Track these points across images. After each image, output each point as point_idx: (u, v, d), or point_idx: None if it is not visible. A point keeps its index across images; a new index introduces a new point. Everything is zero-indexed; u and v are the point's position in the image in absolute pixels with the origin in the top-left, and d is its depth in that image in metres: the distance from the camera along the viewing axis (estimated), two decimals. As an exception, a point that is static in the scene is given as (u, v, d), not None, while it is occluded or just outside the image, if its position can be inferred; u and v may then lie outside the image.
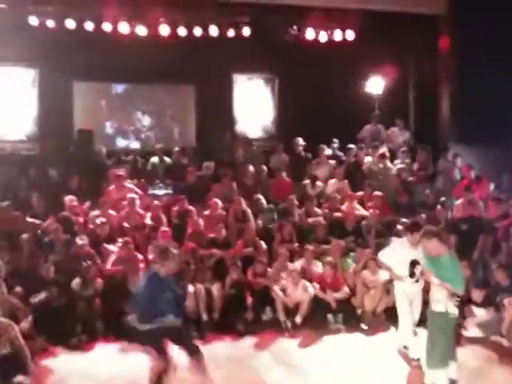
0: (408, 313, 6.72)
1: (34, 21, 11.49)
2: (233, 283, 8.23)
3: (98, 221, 9.04)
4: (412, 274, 5.89)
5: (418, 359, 6.31)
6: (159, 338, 5.60)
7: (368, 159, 11.81)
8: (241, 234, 9.34)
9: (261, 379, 6.44)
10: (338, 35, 12.87)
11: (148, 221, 9.52)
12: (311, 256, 8.76)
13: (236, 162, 11.71)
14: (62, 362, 6.69)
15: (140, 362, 6.74)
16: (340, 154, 12.20)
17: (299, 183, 11.12)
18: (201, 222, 9.49)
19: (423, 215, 9.61)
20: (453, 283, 5.41)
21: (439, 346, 5.50)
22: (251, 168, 11.23)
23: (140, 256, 8.43)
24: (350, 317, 8.10)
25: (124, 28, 11.85)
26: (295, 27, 12.82)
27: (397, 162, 11.93)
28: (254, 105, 14.20)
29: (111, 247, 8.66)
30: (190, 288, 7.98)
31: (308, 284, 8.21)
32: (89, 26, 11.69)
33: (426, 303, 6.26)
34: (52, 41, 11.66)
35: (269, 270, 8.57)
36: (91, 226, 9.15)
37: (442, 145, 12.72)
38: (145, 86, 13.54)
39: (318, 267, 8.67)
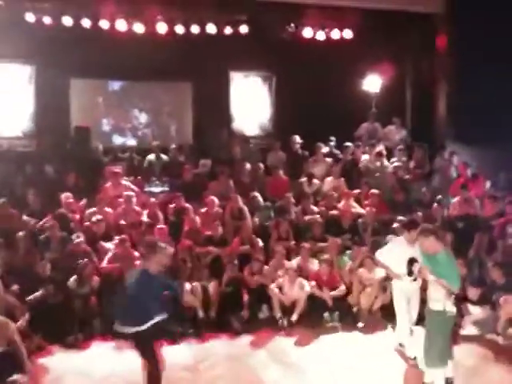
0: (406, 311, 6.72)
1: (30, 17, 11.44)
2: (229, 281, 8.24)
3: (94, 218, 9.02)
4: (410, 273, 5.89)
5: (415, 358, 6.33)
6: (149, 340, 5.49)
7: (365, 157, 11.82)
8: (237, 232, 9.35)
9: (257, 377, 6.46)
10: (335, 33, 12.87)
11: (144, 218, 9.51)
12: (307, 254, 8.77)
13: (233, 159, 11.70)
14: (59, 361, 6.69)
15: (136, 359, 6.77)
16: (337, 152, 12.21)
17: (296, 181, 11.12)
18: (197, 219, 9.50)
19: (419, 213, 9.63)
20: (448, 280, 5.43)
21: (437, 345, 5.51)
22: (248, 166, 11.24)
23: (136, 253, 8.42)
24: (347, 315, 8.11)
25: (121, 25, 11.81)
26: (292, 25, 12.81)
27: (393, 160, 11.95)
28: (251, 102, 14.18)
29: (108, 245, 8.66)
30: (187, 286, 7.99)
31: (304, 282, 8.22)
32: (86, 22, 11.63)
33: (423, 302, 6.28)
34: (49, 37, 11.61)
35: (265, 267, 8.58)
36: (87, 224, 9.13)
37: (438, 143, 12.73)
38: (142, 84, 13.50)
39: (314, 265, 8.68)
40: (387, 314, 7.95)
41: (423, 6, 12.48)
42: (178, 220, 9.60)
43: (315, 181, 11.02)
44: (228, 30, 12.46)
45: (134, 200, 9.71)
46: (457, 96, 12.34)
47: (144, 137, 13.63)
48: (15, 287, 7.50)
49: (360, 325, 7.95)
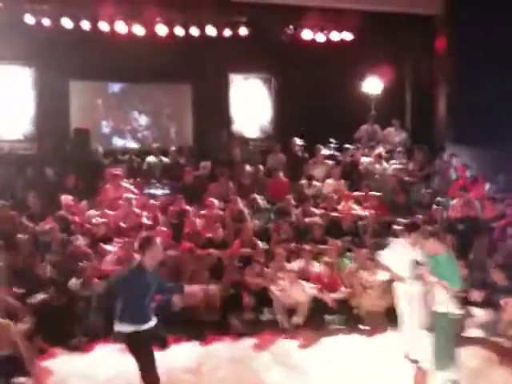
0: (409, 314, 6.67)
1: (29, 19, 11.43)
2: (230, 283, 8.22)
3: (94, 220, 9.02)
4: (413, 275, 5.85)
5: (421, 361, 6.30)
6: (145, 342, 5.38)
7: (365, 159, 11.83)
8: (238, 234, 9.33)
9: (260, 380, 6.42)
10: (334, 35, 12.88)
11: (145, 220, 9.50)
12: (308, 256, 8.76)
13: (233, 161, 11.72)
14: (62, 363, 6.64)
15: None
16: (337, 153, 12.25)
17: (296, 183, 11.13)
18: (198, 221, 9.48)
19: (419, 215, 9.64)
20: (449, 281, 5.43)
21: (443, 347, 5.49)
22: (248, 168, 11.24)
23: (137, 256, 8.38)
24: (349, 317, 8.11)
25: (121, 27, 11.82)
26: (292, 27, 12.82)
27: (393, 162, 11.97)
28: (250, 104, 14.21)
29: (108, 247, 8.64)
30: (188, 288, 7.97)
31: (306, 284, 8.21)
32: (85, 24, 11.64)
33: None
34: (48, 39, 11.61)
35: (266, 270, 8.57)
36: (88, 226, 9.13)
37: (438, 145, 12.76)
38: (141, 86, 13.52)
39: (315, 267, 8.67)
40: (389, 317, 7.96)
41: (423, 8, 12.53)
42: (179, 222, 9.59)
43: (315, 183, 11.03)
44: (227, 32, 12.47)
45: (134, 202, 9.70)
46: (456, 97, 12.38)
47: (144, 139, 13.63)
48: (16, 289, 7.48)
49: (362, 327, 7.94)
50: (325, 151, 12.06)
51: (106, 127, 13.47)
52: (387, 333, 7.74)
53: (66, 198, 9.55)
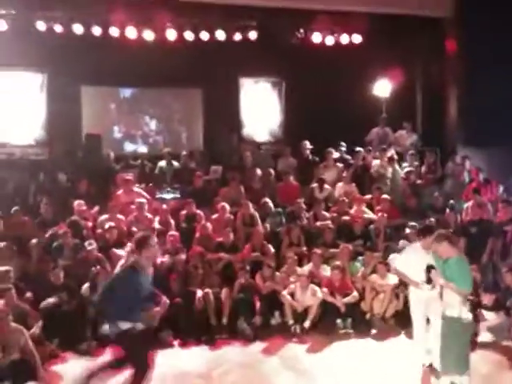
0: (423, 320, 6.56)
1: (41, 26, 11.52)
2: (241, 287, 8.23)
3: (106, 225, 9.06)
4: (428, 280, 5.74)
5: (430, 365, 6.26)
6: (138, 341, 5.38)
7: (376, 162, 11.77)
8: (249, 238, 9.35)
9: (270, 384, 6.44)
10: (344, 38, 12.86)
11: (156, 225, 9.54)
12: (319, 260, 8.75)
13: (243, 165, 11.70)
14: (72, 368, 6.68)
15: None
16: (348, 157, 12.18)
17: (307, 187, 11.10)
18: (209, 225, 9.49)
19: (432, 218, 9.58)
20: (458, 283, 5.38)
21: (453, 352, 5.45)
22: (259, 172, 11.23)
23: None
24: (360, 321, 8.08)
25: (131, 33, 11.88)
26: (302, 31, 12.81)
27: (405, 165, 11.91)
28: (261, 108, 14.21)
29: (120, 252, 8.67)
30: (199, 292, 8.00)
31: (317, 288, 8.19)
32: (96, 30, 11.72)
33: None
34: (60, 46, 11.69)
35: (277, 274, 8.57)
36: (100, 231, 9.18)
37: (449, 147, 12.67)
38: (152, 90, 13.58)
39: (326, 271, 8.65)
40: (400, 321, 7.93)
41: (432, 11, 12.46)
42: (190, 226, 9.62)
43: (326, 186, 10.99)
44: (237, 37, 12.49)
45: (146, 207, 9.74)
46: (467, 99, 12.30)
47: (155, 144, 13.68)
48: (29, 294, 7.56)
49: (373, 331, 7.91)
50: (335, 154, 12.00)
51: (117, 132, 13.54)
52: (399, 337, 7.73)
53: (79, 204, 9.60)
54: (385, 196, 10.37)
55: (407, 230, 9.27)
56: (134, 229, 9.27)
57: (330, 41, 12.86)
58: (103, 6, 11.47)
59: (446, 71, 12.98)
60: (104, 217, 9.47)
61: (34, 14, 11.49)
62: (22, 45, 11.21)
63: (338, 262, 8.49)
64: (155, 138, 13.79)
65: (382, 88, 13.16)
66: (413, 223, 9.28)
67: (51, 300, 7.44)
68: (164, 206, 10.01)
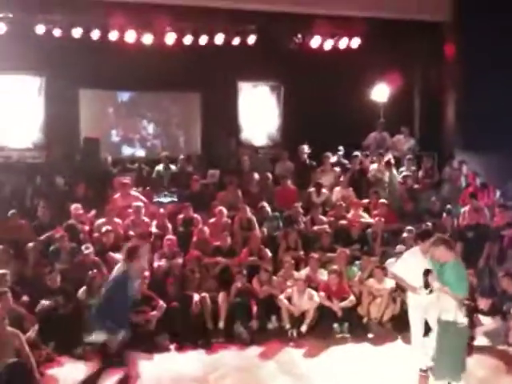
0: (421, 325, 6.54)
1: (40, 29, 11.53)
2: (238, 291, 8.22)
3: (103, 229, 9.05)
4: (427, 284, 5.72)
5: (426, 370, 6.25)
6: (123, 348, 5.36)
7: (373, 167, 11.79)
8: (246, 242, 9.34)
9: (267, 389, 6.44)
10: (342, 43, 12.89)
11: (153, 229, 9.54)
12: (316, 264, 8.75)
13: (241, 169, 11.71)
14: (68, 372, 6.67)
15: (145, 370, 6.77)
16: (345, 161, 12.19)
17: (304, 191, 11.11)
18: (206, 229, 9.49)
19: (429, 223, 9.59)
20: (454, 288, 5.36)
21: (447, 357, 5.43)
22: (256, 176, 11.23)
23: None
24: (356, 326, 8.08)
25: (130, 36, 11.89)
26: (300, 35, 12.84)
27: (402, 169, 11.92)
28: (259, 112, 14.22)
29: (117, 255, 8.66)
30: (196, 296, 7.99)
31: (314, 292, 8.19)
32: (95, 34, 11.73)
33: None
34: (58, 49, 11.70)
35: (274, 278, 8.56)
36: (97, 235, 9.16)
37: (447, 152, 12.69)
38: (150, 94, 13.59)
39: (323, 275, 8.65)
40: (397, 325, 7.93)
41: (430, 15, 12.49)
42: (187, 230, 9.61)
43: (324, 190, 11.00)
44: (236, 41, 12.51)
45: (143, 211, 9.74)
46: (465, 104, 12.32)
47: (153, 147, 13.68)
48: (25, 298, 7.54)
49: (370, 336, 7.91)
50: (333, 159, 12.01)
51: (115, 136, 13.53)
52: (396, 342, 7.73)
53: (76, 207, 9.59)
54: (382, 200, 10.38)
55: (404, 235, 9.27)
56: (131, 232, 9.29)
57: (328, 45, 12.90)
58: (102, 10, 11.46)
59: (444, 76, 13.01)
60: (101, 220, 9.45)
61: (32, 17, 11.50)
62: (21, 48, 11.22)
63: (335, 267, 8.49)
64: (153, 141, 13.79)
65: (380, 92, 13.18)
66: (410, 227, 9.30)
67: (46, 302, 7.43)
68: (161, 210, 9.99)
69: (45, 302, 7.43)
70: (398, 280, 6.77)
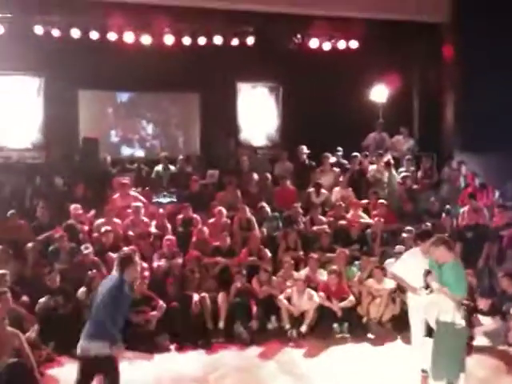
0: (421, 326, 6.52)
1: (39, 30, 11.53)
2: (238, 292, 8.22)
3: (102, 229, 9.04)
4: (427, 285, 5.71)
5: (426, 371, 6.24)
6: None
7: (372, 167, 11.80)
8: (245, 243, 9.34)
9: (267, 389, 6.43)
10: (341, 44, 12.90)
11: (153, 229, 9.54)
12: (316, 264, 8.75)
13: (240, 170, 11.71)
14: (68, 372, 6.61)
15: (146, 370, 6.78)
16: (344, 161, 12.20)
17: (303, 191, 11.11)
18: (205, 230, 9.49)
19: (428, 223, 9.60)
20: (452, 288, 5.35)
21: (445, 357, 5.41)
22: (255, 176, 11.23)
23: (145, 264, 8.43)
24: (356, 326, 8.09)
25: (129, 37, 11.90)
26: (299, 36, 12.86)
27: (401, 169, 11.93)
28: (258, 113, 14.24)
29: (116, 256, 8.64)
30: (195, 297, 7.99)
31: (313, 293, 8.19)
32: (94, 35, 11.73)
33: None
34: (57, 50, 11.72)
35: (273, 278, 8.57)
36: (96, 235, 9.16)
37: (446, 152, 12.71)
38: (150, 95, 13.61)
39: (322, 276, 8.66)
40: (397, 325, 7.93)
41: (429, 16, 12.51)
42: (186, 231, 9.61)
43: (323, 191, 11.01)
44: (235, 42, 12.52)
45: (142, 211, 9.74)
46: (464, 105, 12.34)
47: (152, 148, 13.68)
48: (24, 298, 7.54)
49: (369, 336, 7.91)
50: (332, 159, 12.02)
51: (114, 136, 13.54)
52: (396, 342, 7.73)
53: (75, 207, 9.58)
54: (381, 201, 10.39)
55: (404, 235, 9.28)
56: (131, 233, 9.29)
57: (327, 46, 12.91)
58: (101, 11, 11.46)
59: (442, 77, 13.03)
60: (100, 221, 9.45)
61: (31, 18, 11.50)
62: (20, 49, 11.23)
63: (334, 267, 8.49)
64: (152, 142, 13.80)
65: (379, 93, 13.20)
66: (409, 228, 9.31)
67: (44, 300, 7.45)
68: (160, 210, 10.00)
69: (42, 300, 7.43)
70: (398, 280, 6.76)
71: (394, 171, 11.59)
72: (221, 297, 8.08)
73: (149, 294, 7.87)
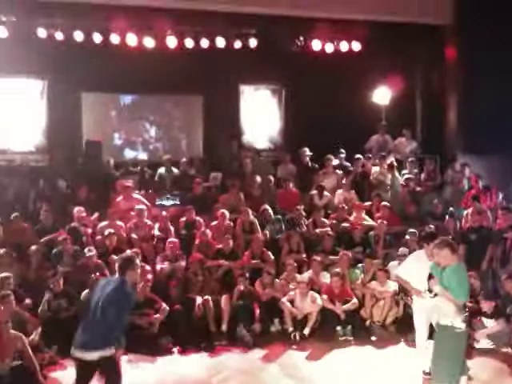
0: (426, 329, 6.51)
1: (42, 33, 11.55)
2: (241, 294, 8.22)
3: (106, 232, 9.06)
4: (431, 288, 5.69)
5: (430, 373, 6.23)
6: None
7: (375, 169, 11.78)
8: (248, 245, 9.35)
9: (270, 392, 6.43)
10: (344, 46, 12.90)
11: (156, 232, 9.55)
12: (319, 267, 8.75)
13: (243, 172, 11.70)
14: (71, 375, 6.63)
15: (149, 373, 6.78)
16: (347, 164, 12.17)
17: (306, 194, 11.11)
18: (208, 232, 9.49)
19: (432, 225, 9.58)
20: (453, 293, 5.33)
21: (445, 360, 5.39)
22: (258, 178, 11.23)
23: (148, 267, 8.44)
24: (359, 329, 8.08)
25: (132, 40, 11.91)
26: (302, 38, 12.86)
27: (404, 172, 11.90)
28: (261, 115, 14.23)
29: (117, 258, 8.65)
30: (198, 299, 7.99)
31: (316, 295, 8.19)
32: (97, 37, 11.75)
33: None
34: (60, 53, 11.73)
35: (276, 281, 8.56)
36: (99, 237, 9.17)
37: (449, 155, 12.68)
38: (153, 97, 13.60)
39: (325, 278, 8.65)
40: (400, 328, 7.92)
41: (432, 18, 12.48)
42: (189, 233, 9.62)
43: (326, 193, 10.99)
44: (238, 44, 12.52)
45: (146, 214, 9.74)
46: (467, 106, 12.31)
47: (155, 150, 13.68)
48: (28, 301, 7.55)
49: (373, 338, 7.90)
50: (335, 161, 12.01)
51: (117, 139, 13.55)
52: (399, 345, 7.72)
53: (78, 210, 9.60)
54: (384, 203, 10.37)
55: (407, 237, 9.26)
56: (134, 235, 9.30)
57: (329, 48, 12.88)
58: (104, 14, 11.48)
59: (445, 78, 13.00)
60: (104, 223, 9.47)
61: (34, 21, 11.51)
62: (23, 52, 11.22)
63: (337, 269, 8.49)
64: (155, 144, 13.80)
65: (382, 95, 13.18)
66: (412, 230, 9.28)
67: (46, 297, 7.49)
68: (164, 213, 10.01)
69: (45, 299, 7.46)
70: (403, 283, 6.76)
71: (397, 173, 11.58)
72: (224, 299, 8.08)
73: (152, 296, 7.88)
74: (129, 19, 11.66)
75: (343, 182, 11.31)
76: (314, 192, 11.04)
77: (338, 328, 7.99)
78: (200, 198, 10.57)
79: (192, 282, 8.33)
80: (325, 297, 8.19)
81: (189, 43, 12.25)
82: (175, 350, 7.56)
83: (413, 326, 6.70)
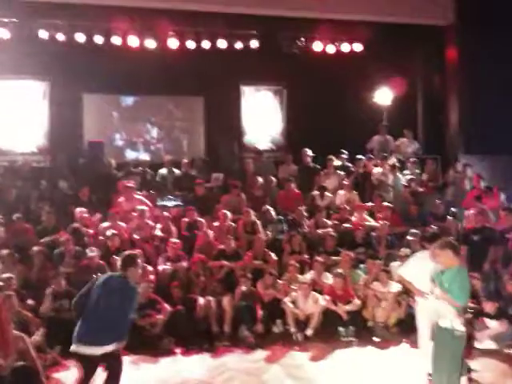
0: (428, 330, 6.46)
1: (44, 34, 11.59)
2: (243, 295, 8.22)
3: (108, 232, 9.06)
4: (432, 289, 5.67)
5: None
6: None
7: (377, 170, 11.78)
8: (250, 246, 9.34)
9: (272, 393, 6.42)
10: (345, 47, 12.92)
11: (158, 232, 9.55)
12: (321, 267, 8.74)
13: (245, 173, 11.71)
14: (74, 375, 6.64)
15: (151, 374, 6.77)
16: (349, 164, 12.17)
17: (308, 194, 11.10)
18: (210, 233, 9.49)
19: (434, 226, 9.56)
20: (454, 295, 5.31)
21: (444, 362, 5.36)
22: (260, 179, 11.23)
23: (150, 268, 8.44)
24: (362, 329, 8.06)
25: (133, 41, 11.94)
26: (303, 39, 12.88)
27: (406, 172, 11.91)
28: (262, 116, 14.24)
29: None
30: (200, 300, 7.99)
31: (319, 296, 8.18)
32: (98, 39, 11.78)
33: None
34: (62, 54, 11.77)
35: (278, 281, 8.55)
36: (101, 238, 9.17)
37: (451, 155, 12.69)
38: (154, 98, 13.63)
39: (328, 279, 8.64)
40: (403, 329, 7.91)
41: (433, 19, 12.52)
42: (191, 234, 9.62)
43: (328, 194, 11.00)
44: (239, 45, 12.54)
45: (147, 214, 9.75)
46: (468, 107, 12.32)
47: (157, 151, 13.70)
48: (30, 302, 7.55)
49: (375, 339, 7.89)
50: (337, 162, 12.01)
51: (119, 140, 13.56)
52: (401, 345, 7.70)
53: (80, 211, 9.61)
54: (386, 203, 10.37)
55: (409, 238, 9.26)
56: (136, 236, 9.30)
57: (331, 49, 12.92)
58: (105, 15, 11.52)
59: (447, 79, 13.02)
60: (105, 224, 9.47)
61: (36, 22, 11.56)
62: (25, 53, 11.25)
63: (339, 270, 8.48)
64: (157, 145, 13.81)
65: (384, 96, 13.19)
66: (414, 231, 9.28)
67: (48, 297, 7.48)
68: (165, 214, 10.01)
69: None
70: (406, 284, 6.75)
71: (398, 174, 11.58)
72: (226, 300, 8.08)
73: (154, 297, 7.88)
74: (130, 20, 11.71)
75: (345, 182, 11.30)
76: (316, 193, 11.04)
77: (341, 329, 7.97)
78: (202, 199, 10.58)
79: (194, 283, 8.33)
80: (327, 297, 8.18)
81: (190, 44, 12.30)
82: (177, 350, 7.54)
83: (415, 327, 6.68)
